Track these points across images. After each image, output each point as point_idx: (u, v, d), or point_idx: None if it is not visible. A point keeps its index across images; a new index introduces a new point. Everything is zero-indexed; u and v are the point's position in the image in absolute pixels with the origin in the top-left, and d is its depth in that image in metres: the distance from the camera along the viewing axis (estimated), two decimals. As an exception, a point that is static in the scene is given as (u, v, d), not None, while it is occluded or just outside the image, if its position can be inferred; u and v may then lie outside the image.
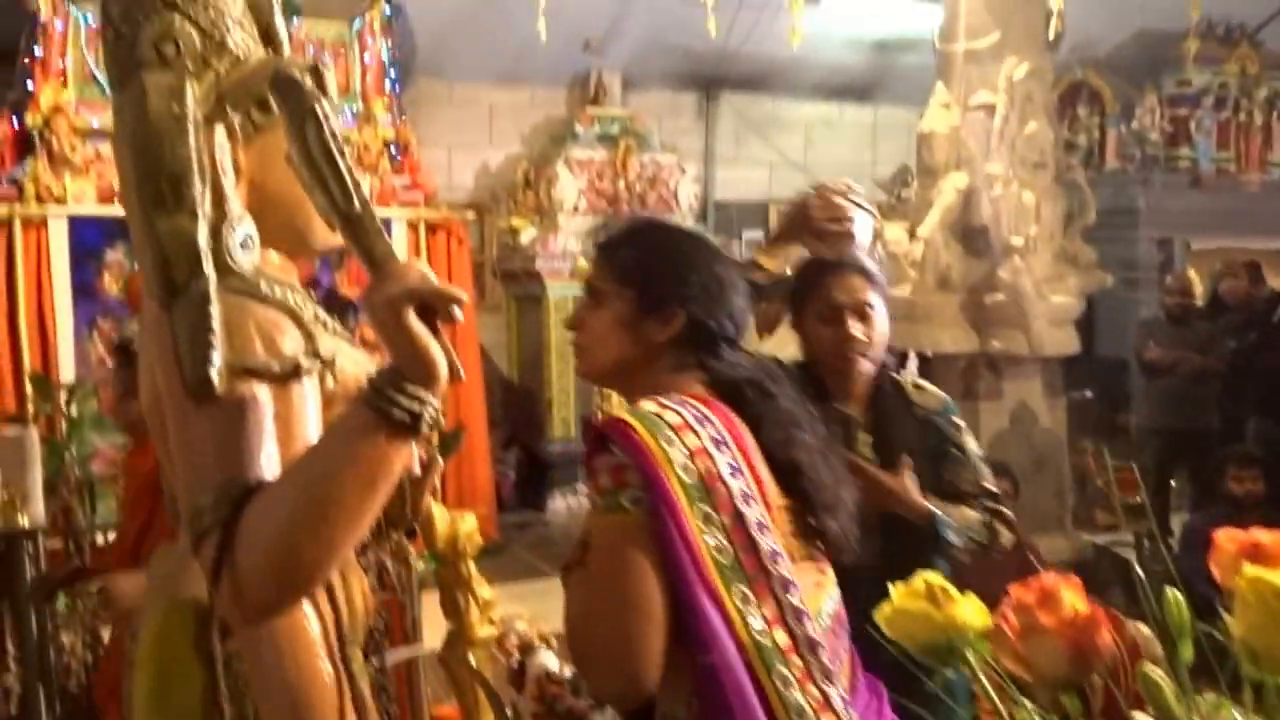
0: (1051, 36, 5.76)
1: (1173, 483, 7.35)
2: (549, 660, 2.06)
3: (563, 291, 8.14)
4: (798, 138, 9.75)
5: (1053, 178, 5.86)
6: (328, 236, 1.48)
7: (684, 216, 8.32)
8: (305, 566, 1.21)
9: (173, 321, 1.30)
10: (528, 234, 8.42)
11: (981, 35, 5.84)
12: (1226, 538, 0.94)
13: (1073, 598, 0.91)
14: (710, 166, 9.50)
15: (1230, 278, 7.35)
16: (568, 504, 8.36)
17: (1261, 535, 0.92)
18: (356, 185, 1.26)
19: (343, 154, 1.26)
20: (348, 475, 1.21)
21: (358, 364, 1.50)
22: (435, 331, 1.23)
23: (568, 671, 2.02)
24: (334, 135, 1.26)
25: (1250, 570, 0.86)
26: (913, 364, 6.36)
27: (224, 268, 1.34)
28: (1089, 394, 8.19)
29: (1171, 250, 8.80)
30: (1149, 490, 7.23)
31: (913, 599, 1.03)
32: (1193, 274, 7.42)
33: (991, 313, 5.78)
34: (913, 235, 5.86)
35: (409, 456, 1.31)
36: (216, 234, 1.34)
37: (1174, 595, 0.92)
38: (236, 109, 1.41)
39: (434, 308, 1.23)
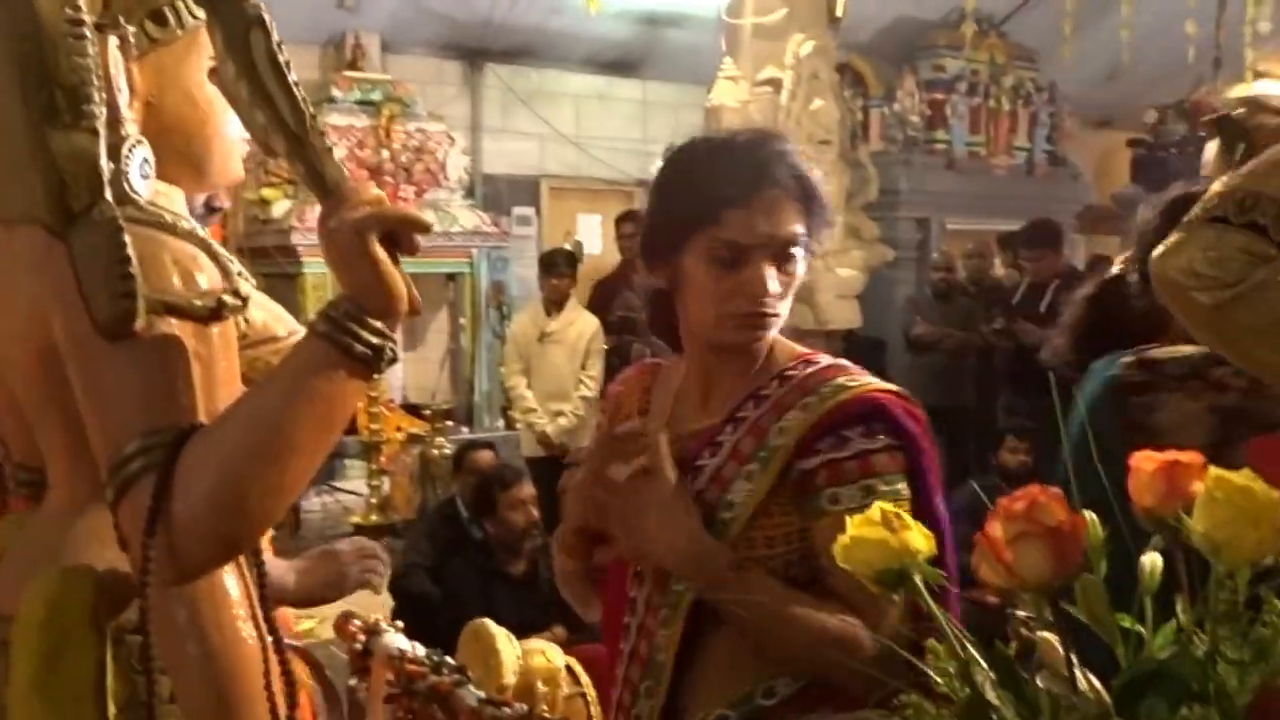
0: (840, 13, 5.82)
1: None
2: (399, 640, 1.91)
3: (321, 269, 7.61)
4: (568, 110, 9.60)
5: (838, 154, 5.92)
6: (226, 168, 1.40)
7: (453, 189, 8.03)
8: (252, 514, 1.14)
9: (73, 252, 1.17)
10: (280, 206, 7.81)
11: (769, 11, 5.86)
12: (1144, 459, 1.00)
13: (1057, 507, 0.95)
14: (478, 138, 9.22)
15: (978, 258, 7.64)
16: (323, 502, 7.81)
17: (1177, 455, 0.99)
18: (306, 102, 1.19)
19: (290, 67, 1.19)
20: (302, 414, 1.14)
21: (263, 308, 1.42)
22: (395, 261, 1.18)
23: (420, 650, 1.86)
24: (281, 48, 1.18)
25: (1213, 472, 0.93)
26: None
27: (123, 195, 1.22)
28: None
29: (929, 230, 9.11)
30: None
31: (869, 527, 1.07)
32: (955, 252, 7.71)
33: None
34: (703, 209, 5.80)
35: (363, 394, 1.15)
36: (115, 156, 1.22)
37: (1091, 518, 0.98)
38: (129, 20, 1.28)
39: (395, 235, 1.17)
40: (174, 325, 1.19)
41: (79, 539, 1.30)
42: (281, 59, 1.18)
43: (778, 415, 1.52)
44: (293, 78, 1.19)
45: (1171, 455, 1.00)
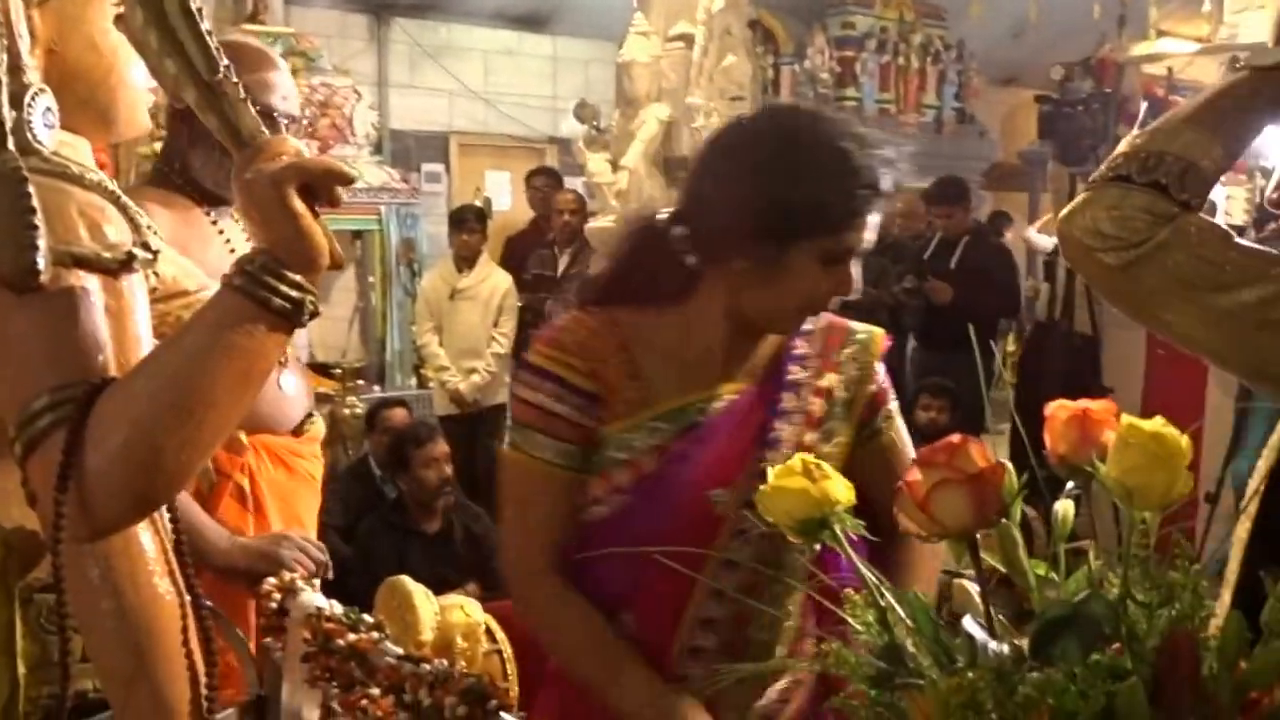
0: (750, -32, 5.81)
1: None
2: (315, 599, 1.91)
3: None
4: (477, 66, 9.47)
5: (750, 110, 5.93)
6: (131, 120, 1.35)
7: (360, 145, 7.90)
8: (168, 470, 1.11)
9: None
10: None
11: (682, -34, 5.81)
12: (1058, 408, 1.03)
13: (977, 453, 0.97)
14: (385, 93, 9.06)
15: (909, 217, 7.68)
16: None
17: (1087, 404, 1.02)
18: (219, 50, 1.15)
19: (202, 14, 1.15)
20: (220, 369, 1.12)
21: (172, 262, 1.40)
22: (314, 214, 1.16)
23: (338, 608, 1.86)
24: None
25: (1126, 419, 0.97)
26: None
27: (26, 145, 1.17)
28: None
29: (839, 188, 9.16)
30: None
31: (790, 477, 1.09)
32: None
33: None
34: (616, 166, 5.78)
35: (284, 349, 1.22)
36: (17, 105, 1.17)
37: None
38: None
39: (315, 188, 1.15)
40: (82, 278, 1.15)
41: None
42: (193, 5, 1.15)
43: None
44: (205, 25, 1.15)
45: (1083, 404, 1.03)
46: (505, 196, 9.18)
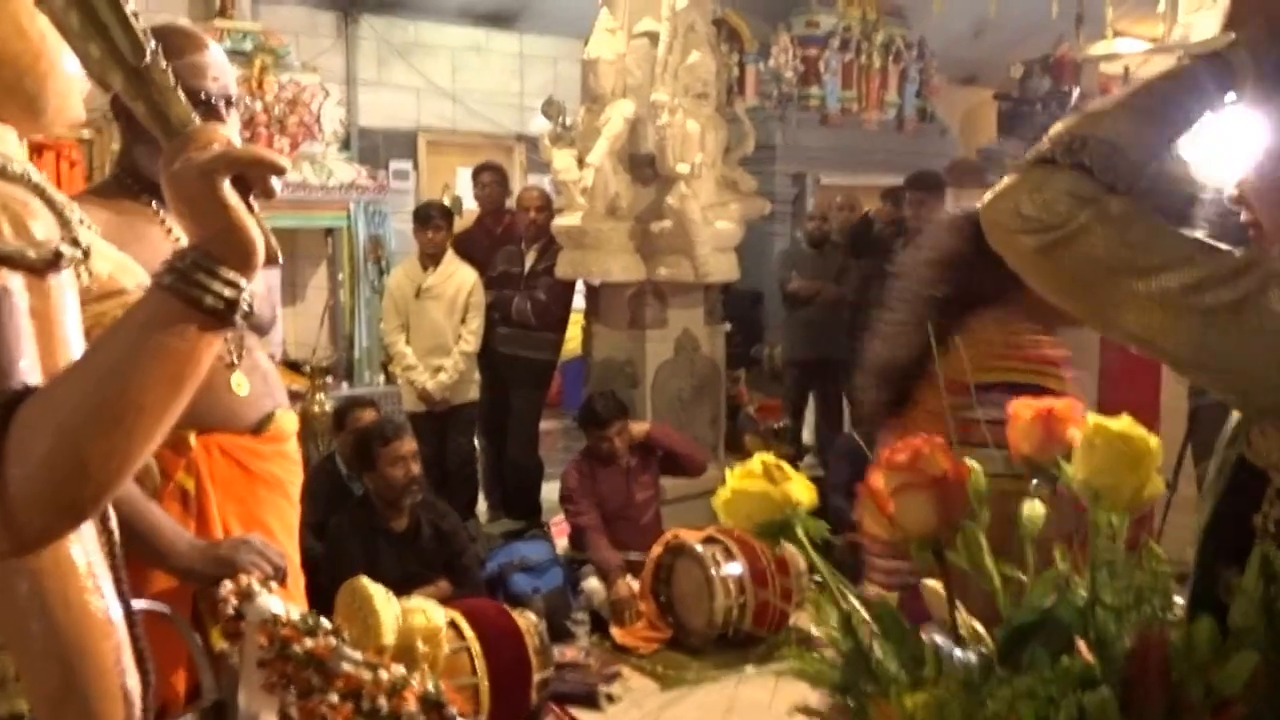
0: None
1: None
2: (272, 604, 1.88)
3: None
4: (444, 63, 9.44)
5: (715, 107, 5.94)
6: (64, 107, 1.26)
7: (328, 142, 7.86)
8: (93, 481, 1.05)
9: None
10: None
11: (648, -38, 5.81)
12: (1022, 406, 1.03)
13: (940, 458, 0.96)
14: (353, 90, 9.03)
15: (847, 210, 7.70)
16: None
17: (1051, 403, 1.03)
18: (146, 34, 1.08)
19: None
20: (149, 373, 1.06)
21: (108, 259, 1.30)
22: (249, 207, 1.10)
23: (295, 613, 1.83)
24: None
25: (1094, 419, 0.96)
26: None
27: None
28: (727, 325, 8.52)
29: (804, 184, 9.21)
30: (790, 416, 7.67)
31: (750, 480, 1.07)
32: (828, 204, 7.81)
33: (659, 240, 5.81)
34: (582, 163, 5.78)
35: (216, 350, 1.13)
36: None
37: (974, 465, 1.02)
38: None
39: (248, 179, 1.09)
40: (4, 276, 1.08)
41: None
42: None
43: None
44: (130, 7, 1.08)
45: (1048, 402, 1.03)
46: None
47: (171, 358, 1.07)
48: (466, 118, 9.51)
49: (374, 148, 9.05)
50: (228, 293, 1.08)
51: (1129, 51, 6.34)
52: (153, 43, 1.09)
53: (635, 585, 5.01)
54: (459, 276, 6.22)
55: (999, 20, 8.10)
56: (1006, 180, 1.18)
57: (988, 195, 1.20)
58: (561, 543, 5.62)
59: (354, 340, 8.11)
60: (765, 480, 1.07)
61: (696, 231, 5.67)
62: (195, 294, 1.06)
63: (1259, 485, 1.15)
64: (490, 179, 6.74)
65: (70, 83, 1.26)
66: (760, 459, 1.10)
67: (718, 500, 1.11)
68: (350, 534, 4.68)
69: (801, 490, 1.07)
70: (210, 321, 1.08)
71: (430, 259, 6.24)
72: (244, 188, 1.09)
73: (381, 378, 7.88)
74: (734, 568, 4.78)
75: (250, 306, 1.11)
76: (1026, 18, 8.33)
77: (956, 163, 9.71)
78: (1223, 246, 1.11)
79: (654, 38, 5.75)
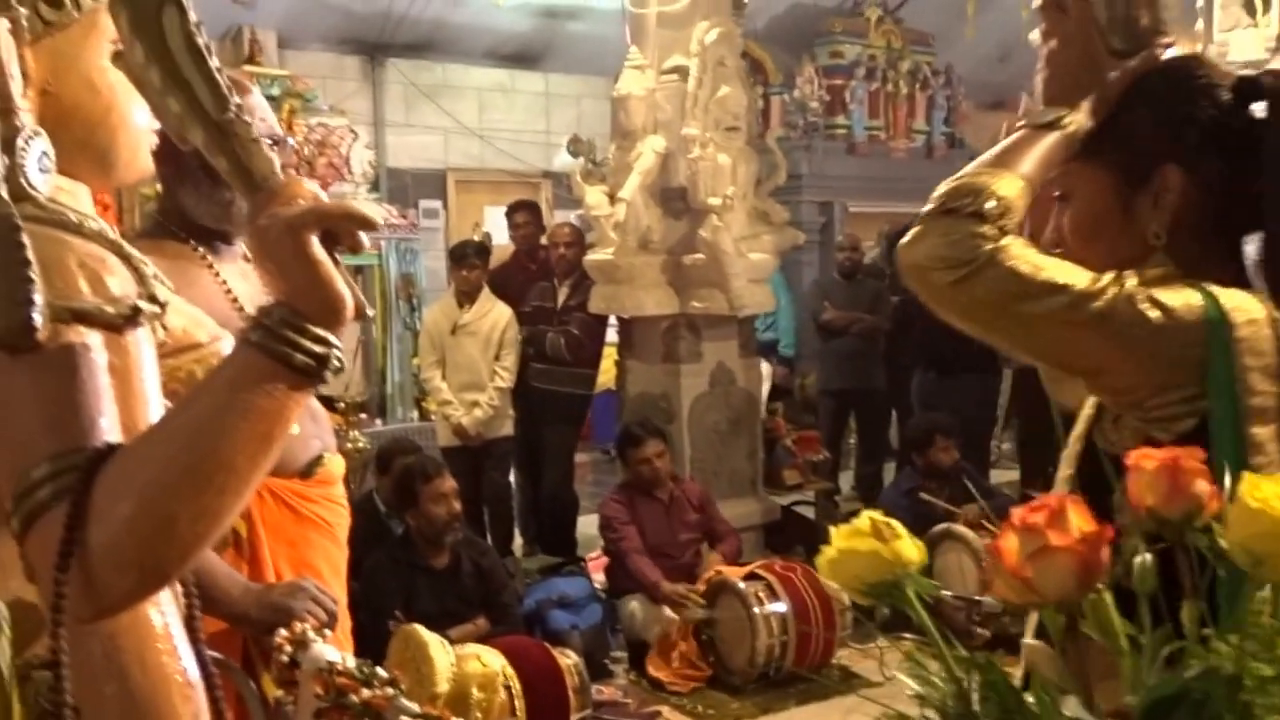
0: (746, -1, 5.85)
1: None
2: (328, 652, 1.85)
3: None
4: (471, 104, 9.53)
5: (746, 140, 5.96)
6: (134, 161, 1.26)
7: (357, 184, 7.94)
8: (179, 543, 1.02)
9: None
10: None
11: (673, 1, 5.84)
12: (1143, 457, 0.99)
13: (1078, 516, 0.92)
14: (381, 132, 9.11)
15: (896, 238, 7.69)
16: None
17: (1175, 452, 0.98)
18: (230, 88, 1.07)
19: (210, 50, 1.07)
20: (238, 432, 1.03)
21: (181, 313, 1.29)
22: (335, 261, 1.07)
23: (351, 661, 1.81)
24: (199, 27, 1.06)
25: (1249, 479, 0.91)
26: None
27: (20, 192, 1.08)
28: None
29: (832, 213, 9.23)
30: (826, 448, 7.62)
31: (858, 538, 1.02)
32: (859, 234, 7.81)
33: (691, 273, 5.81)
34: (613, 198, 5.80)
35: (304, 407, 1.11)
36: (9, 149, 1.08)
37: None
38: (21, 2, 1.14)
39: (335, 232, 1.06)
40: (83, 334, 1.06)
41: None
42: (200, 41, 1.07)
43: None
44: (214, 62, 1.07)
45: (1170, 453, 0.98)
46: (503, 231, 9.23)
47: (261, 416, 1.04)
48: (494, 157, 9.58)
49: (403, 188, 9.13)
50: (317, 349, 1.05)
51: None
52: (235, 97, 1.08)
53: (675, 616, 4.97)
54: (494, 313, 6.26)
55: (1025, 44, 8.10)
56: (917, 229, 1.38)
57: (902, 242, 1.39)
58: (599, 578, 5.60)
59: (386, 376, 8.17)
60: (874, 539, 1.02)
61: (730, 264, 5.67)
62: (284, 351, 1.04)
63: (1115, 471, 1.27)
64: (525, 217, 6.78)
65: (140, 136, 1.26)
66: (868, 516, 1.05)
67: (823, 559, 1.05)
68: (389, 572, 4.68)
69: (911, 549, 1.03)
70: (299, 379, 1.05)
71: (466, 296, 6.29)
72: (330, 241, 1.06)
73: (415, 414, 7.92)
74: (778, 606, 4.74)
75: (340, 363, 1.08)
76: (1052, 42, 8.33)
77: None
78: (1077, 269, 1.34)
79: (684, 73, 5.77)
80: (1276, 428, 1.32)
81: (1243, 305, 1.34)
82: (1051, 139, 1.42)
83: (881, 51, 9.64)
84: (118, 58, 1.10)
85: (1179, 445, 1.13)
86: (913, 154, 9.85)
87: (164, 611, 1.15)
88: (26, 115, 1.12)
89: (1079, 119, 1.44)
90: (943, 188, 1.38)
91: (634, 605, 5.13)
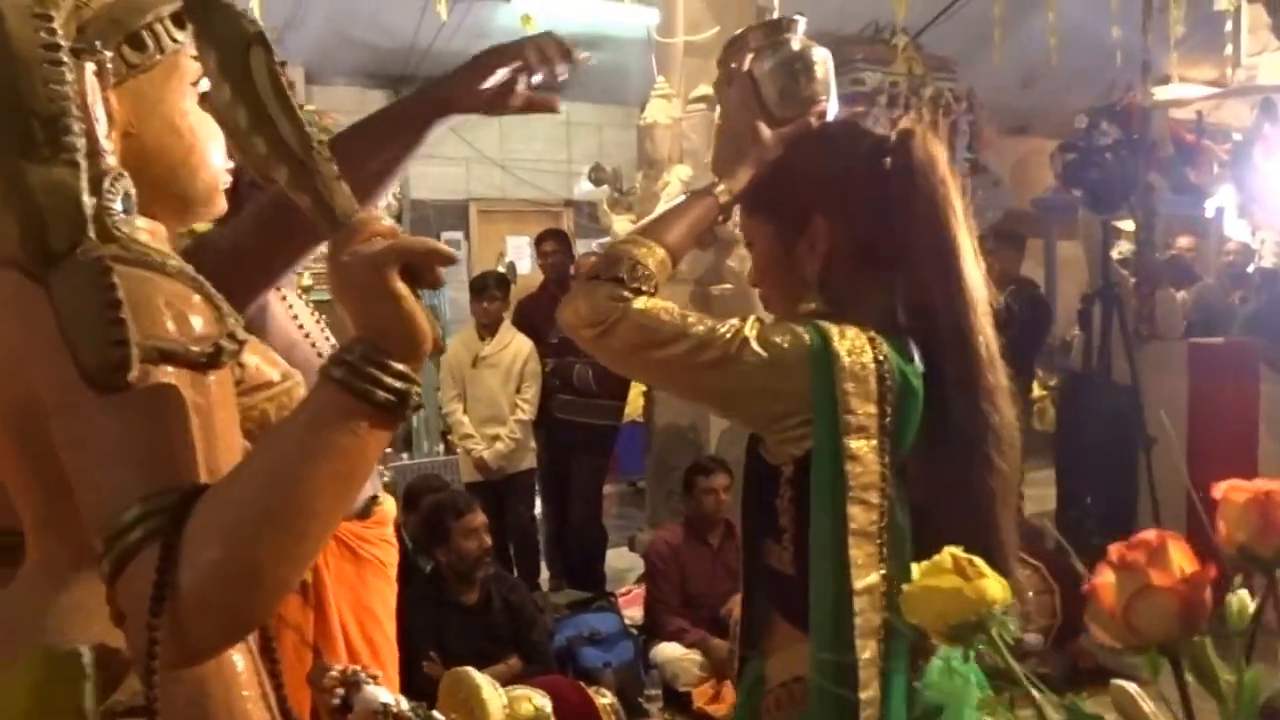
0: (774, 28, 5.80)
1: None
2: (380, 694, 1.83)
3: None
4: (493, 133, 9.53)
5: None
6: (211, 200, 1.29)
7: (381, 216, 7.91)
8: (268, 586, 1.03)
9: (55, 296, 1.06)
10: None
11: (700, 29, 5.83)
12: (1233, 490, 0.96)
13: (1180, 555, 0.89)
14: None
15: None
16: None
17: (1267, 485, 0.95)
18: (312, 125, 1.10)
19: (294, 88, 1.10)
20: (320, 472, 1.03)
21: (254, 350, 1.33)
22: (416, 296, 1.09)
23: (405, 703, 1.77)
24: (284, 66, 1.11)
25: None
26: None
27: (106, 233, 1.11)
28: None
29: (857, 241, 9.13)
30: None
31: (940, 575, 1.00)
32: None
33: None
34: (640, 227, 5.76)
35: (385, 444, 1.11)
36: (97, 190, 1.11)
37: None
38: (106, 45, 1.16)
39: (414, 268, 1.07)
40: (170, 374, 1.07)
41: (61, 612, 1.17)
42: (285, 79, 1.10)
43: None
44: (297, 100, 1.10)
45: (1262, 485, 0.95)
46: (526, 260, 9.21)
47: (342, 456, 1.04)
48: (516, 186, 9.58)
49: (425, 219, 9.13)
50: (399, 385, 1.05)
51: (1198, 96, 6.25)
52: (318, 134, 1.10)
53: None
54: (515, 345, 6.20)
55: (1047, 68, 8.05)
56: (573, 290, 1.61)
57: (566, 299, 1.60)
58: (629, 613, 5.50)
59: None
60: (957, 576, 0.99)
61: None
62: (366, 388, 1.04)
63: (774, 478, 1.65)
64: (554, 246, 6.72)
65: (218, 176, 1.29)
66: (950, 553, 1.02)
67: (904, 596, 1.03)
68: (419, 609, 4.60)
69: (996, 588, 0.99)
70: (381, 417, 1.05)
71: (486, 329, 6.24)
72: (410, 276, 1.07)
73: (440, 447, 7.86)
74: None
75: (421, 399, 1.08)
76: (1074, 66, 8.29)
77: (1009, 213, 9.63)
78: (707, 321, 1.56)
79: (710, 102, 5.73)
80: (877, 443, 1.55)
81: (850, 339, 1.56)
82: (704, 205, 1.65)
83: (903, 78, 9.57)
84: (203, 99, 1.12)
85: (805, 461, 1.57)
86: (937, 180, 9.76)
87: (249, 658, 1.17)
88: (111, 158, 1.14)
89: (732, 185, 1.66)
90: (602, 255, 1.61)
91: (666, 651, 5.03)
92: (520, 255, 9.26)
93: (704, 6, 5.92)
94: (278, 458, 1.04)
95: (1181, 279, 7.73)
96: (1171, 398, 5.52)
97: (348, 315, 1.10)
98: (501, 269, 7.46)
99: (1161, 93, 6.72)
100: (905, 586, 1.05)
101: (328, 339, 2.25)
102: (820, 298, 1.69)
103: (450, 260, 1.11)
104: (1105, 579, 0.89)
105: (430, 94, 1.70)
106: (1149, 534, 0.90)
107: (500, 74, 1.65)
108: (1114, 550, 0.91)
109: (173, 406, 1.07)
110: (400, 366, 1.06)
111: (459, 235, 9.34)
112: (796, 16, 1.63)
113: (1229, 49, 6.01)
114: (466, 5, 7.40)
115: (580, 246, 8.08)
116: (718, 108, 1.72)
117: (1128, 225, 6.60)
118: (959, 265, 1.66)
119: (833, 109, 1.67)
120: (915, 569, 1.06)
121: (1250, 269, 8.11)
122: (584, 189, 8.78)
